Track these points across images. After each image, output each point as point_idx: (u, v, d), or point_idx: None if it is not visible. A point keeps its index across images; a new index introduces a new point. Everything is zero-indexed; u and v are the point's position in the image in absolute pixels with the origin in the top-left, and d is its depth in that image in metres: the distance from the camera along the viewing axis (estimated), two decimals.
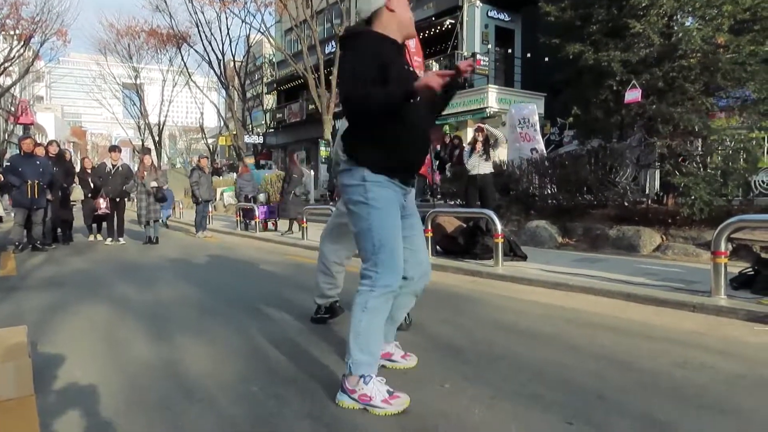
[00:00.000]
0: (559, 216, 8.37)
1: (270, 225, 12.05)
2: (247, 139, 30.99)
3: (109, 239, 10.13)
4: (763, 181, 7.31)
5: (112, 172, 10.02)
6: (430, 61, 18.29)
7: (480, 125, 8.89)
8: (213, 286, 5.50)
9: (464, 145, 11.50)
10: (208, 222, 12.44)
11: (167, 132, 48.36)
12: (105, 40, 34.84)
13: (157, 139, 37.95)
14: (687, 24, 7.17)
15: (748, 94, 6.91)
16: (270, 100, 34.64)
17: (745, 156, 6.84)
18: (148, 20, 34.25)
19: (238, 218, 12.73)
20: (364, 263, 2.39)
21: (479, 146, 8.40)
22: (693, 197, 6.44)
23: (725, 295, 4.06)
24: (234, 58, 31.04)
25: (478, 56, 17.20)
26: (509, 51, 18.85)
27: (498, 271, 5.63)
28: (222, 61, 29.65)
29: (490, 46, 17.81)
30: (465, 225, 6.88)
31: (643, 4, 6.89)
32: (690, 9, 6.99)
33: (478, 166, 8.42)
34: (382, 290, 2.33)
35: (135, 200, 10.49)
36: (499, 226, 5.75)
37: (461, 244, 6.63)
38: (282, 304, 4.44)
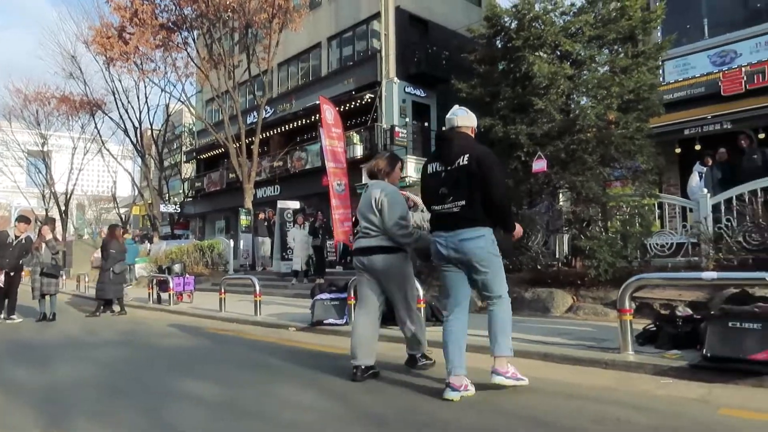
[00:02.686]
0: None
1: (186, 297, 11.45)
2: (163, 208, 29.87)
3: (1, 316, 9.18)
4: (657, 244, 7.96)
5: (14, 243, 9.23)
6: (352, 133, 18.85)
7: (403, 193, 9.12)
8: (119, 364, 5.08)
9: None
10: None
11: (75, 201, 45.69)
12: (10, 105, 32.96)
13: (63, 208, 35.67)
14: (582, 102, 7.93)
15: (638, 165, 7.64)
16: (189, 169, 33.88)
17: (640, 221, 7.46)
18: (60, 86, 32.79)
19: (150, 291, 12.03)
20: (496, 292, 3.67)
21: None
22: (598, 259, 6.88)
23: (633, 351, 4.29)
24: (152, 126, 30.37)
25: (397, 128, 17.95)
26: (426, 124, 19.84)
27: None
28: (139, 129, 28.89)
29: (407, 119, 18.66)
30: None
31: (544, 84, 7.58)
32: (584, 90, 7.77)
33: None
34: (509, 301, 3.74)
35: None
36: (421, 292, 5.81)
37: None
38: (197, 381, 4.17)
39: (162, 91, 35.06)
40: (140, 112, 29.38)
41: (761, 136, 9.54)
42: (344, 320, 6.64)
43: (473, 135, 3.77)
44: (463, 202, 3.48)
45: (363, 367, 4.02)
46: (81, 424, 3.13)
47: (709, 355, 3.74)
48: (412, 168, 17.12)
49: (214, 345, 6.25)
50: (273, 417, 3.16)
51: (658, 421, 2.92)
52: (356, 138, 19.01)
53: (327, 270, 12.88)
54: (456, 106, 3.87)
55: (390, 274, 4.12)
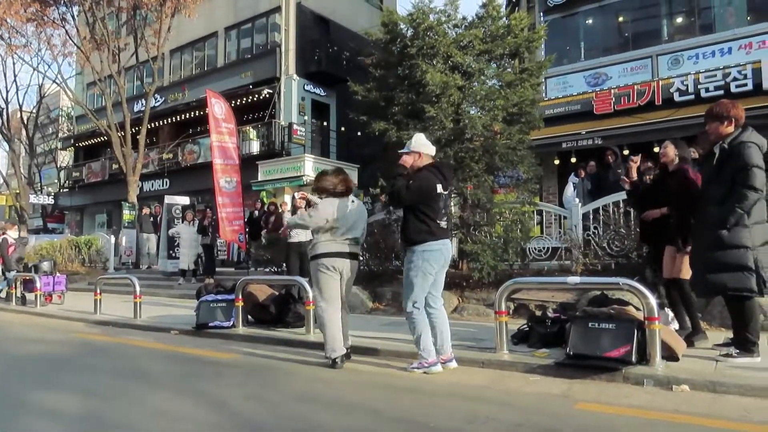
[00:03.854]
0: (370, 281, 8.71)
1: (56, 298, 10.47)
2: (33, 199, 27.08)
3: None
4: (535, 248, 8.54)
5: None
6: (248, 128, 18.31)
7: (303, 193, 8.97)
8: None
9: (280, 211, 11.52)
10: None
11: None
12: None
13: None
14: (471, 113, 8.29)
15: (519, 174, 8.15)
16: (66, 157, 30.94)
17: (520, 227, 7.96)
18: None
19: (13, 291, 10.85)
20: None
21: (301, 213, 8.45)
22: (482, 262, 7.24)
23: (507, 350, 4.57)
24: (21, 107, 27.42)
25: (295, 126, 17.71)
26: (325, 124, 19.75)
27: (309, 339, 5.61)
28: (5, 110, 25.96)
29: (306, 117, 18.46)
30: (277, 293, 6.78)
31: (436, 93, 7.82)
32: (472, 100, 8.13)
33: (300, 233, 8.43)
34: None
35: None
36: (310, 293, 5.76)
37: (273, 313, 6.49)
38: (57, 392, 3.82)
39: (34, 70, 31.45)
40: (7, 92, 26.52)
41: (626, 152, 10.55)
42: (231, 323, 6.43)
43: None
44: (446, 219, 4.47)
45: (345, 353, 4.59)
46: None
47: (571, 353, 4.08)
48: (310, 167, 16.94)
49: (82, 351, 5.77)
50: (142, 429, 2.98)
51: (522, 417, 3.13)
52: (253, 134, 18.49)
53: (218, 269, 12.40)
54: (422, 136, 4.75)
55: (353, 275, 4.84)
